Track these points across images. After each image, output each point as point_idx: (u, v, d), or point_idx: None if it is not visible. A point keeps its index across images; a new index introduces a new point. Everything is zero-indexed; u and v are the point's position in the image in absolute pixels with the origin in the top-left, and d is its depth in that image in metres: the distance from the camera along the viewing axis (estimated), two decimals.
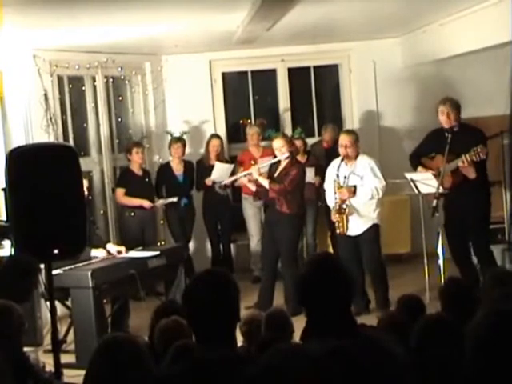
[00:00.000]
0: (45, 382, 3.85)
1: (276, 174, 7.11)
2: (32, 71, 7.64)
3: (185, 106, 9.29)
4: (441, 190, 6.47)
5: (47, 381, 3.98)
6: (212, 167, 8.46)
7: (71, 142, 7.96)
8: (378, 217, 6.91)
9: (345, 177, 6.74)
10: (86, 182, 6.67)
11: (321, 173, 8.40)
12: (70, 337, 6.18)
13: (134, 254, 6.85)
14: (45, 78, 7.78)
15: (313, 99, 9.78)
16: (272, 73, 9.75)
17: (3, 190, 4.24)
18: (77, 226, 4.28)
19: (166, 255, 6.92)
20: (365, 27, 8.40)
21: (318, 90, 9.83)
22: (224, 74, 9.69)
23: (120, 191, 8.32)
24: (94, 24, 6.63)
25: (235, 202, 9.02)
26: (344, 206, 6.77)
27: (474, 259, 6.84)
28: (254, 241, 8.69)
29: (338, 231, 6.88)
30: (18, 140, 7.21)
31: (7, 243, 5.77)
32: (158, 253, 6.86)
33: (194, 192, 8.78)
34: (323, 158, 8.67)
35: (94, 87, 8.62)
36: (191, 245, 8.91)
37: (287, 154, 7.06)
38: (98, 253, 6.59)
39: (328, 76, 10.03)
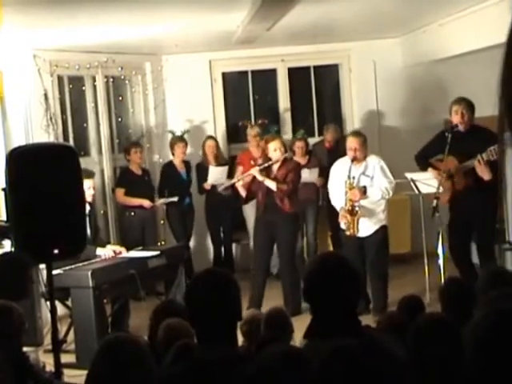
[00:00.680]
0: (45, 382, 3.85)
1: (272, 175, 7.09)
2: (32, 71, 7.64)
3: (185, 105, 9.29)
4: (441, 190, 6.45)
5: (47, 381, 3.98)
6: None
7: (71, 142, 7.96)
8: (387, 218, 6.89)
9: (353, 177, 6.69)
10: (91, 182, 6.68)
11: (324, 173, 8.41)
12: (71, 337, 6.18)
13: (134, 253, 6.85)
14: (45, 78, 7.78)
15: (313, 99, 9.78)
16: (272, 73, 9.75)
17: (3, 189, 4.24)
18: (77, 225, 4.29)
19: (166, 255, 6.92)
20: (365, 27, 8.40)
21: (318, 90, 9.83)
22: (224, 74, 9.69)
23: (120, 191, 8.33)
24: (94, 24, 6.63)
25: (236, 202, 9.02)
26: (356, 208, 6.66)
27: (474, 259, 6.84)
28: None
29: (347, 233, 6.74)
30: (18, 140, 7.21)
31: (7, 243, 5.77)
32: (158, 253, 6.86)
33: (195, 191, 8.78)
34: (325, 158, 8.68)
35: (94, 87, 8.62)
36: (191, 244, 8.92)
37: (286, 155, 7.12)
38: (103, 251, 6.59)
39: (328, 76, 10.03)
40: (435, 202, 6.40)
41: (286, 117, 9.71)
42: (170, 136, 8.96)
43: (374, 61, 9.47)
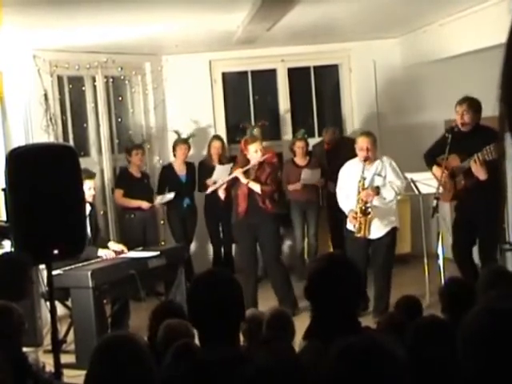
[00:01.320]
0: (44, 383, 3.84)
1: (252, 178, 7.02)
2: (32, 71, 7.64)
3: (185, 106, 9.29)
4: (441, 190, 6.44)
5: (47, 381, 3.98)
6: (214, 168, 8.45)
7: (71, 142, 7.96)
8: (397, 219, 6.86)
9: (364, 178, 6.65)
10: (92, 183, 6.68)
11: (324, 174, 8.42)
12: (70, 337, 6.18)
13: (134, 254, 6.85)
14: (45, 78, 7.78)
15: (313, 99, 9.78)
16: (272, 73, 9.76)
17: (3, 190, 4.23)
18: (77, 226, 4.29)
19: (166, 255, 6.92)
20: (365, 27, 8.40)
21: (318, 90, 9.83)
22: (224, 74, 9.69)
23: (119, 192, 8.34)
24: (93, 24, 6.63)
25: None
26: (369, 209, 6.59)
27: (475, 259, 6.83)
28: None
29: (358, 235, 6.65)
30: (18, 140, 7.21)
31: (7, 243, 5.77)
32: (158, 253, 6.86)
33: (197, 193, 8.78)
34: (324, 159, 8.68)
35: (94, 87, 8.62)
36: (192, 246, 8.92)
37: (265, 156, 7.11)
38: (104, 252, 6.59)
39: (328, 76, 10.03)
40: (435, 202, 6.39)
41: (286, 117, 9.71)
42: (173, 135, 8.94)
43: (374, 61, 9.47)
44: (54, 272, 5.00)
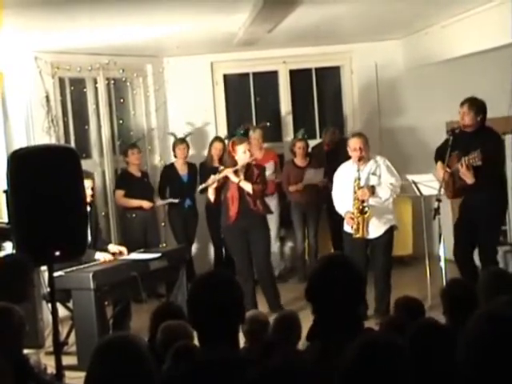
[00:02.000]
0: None
1: (242, 178, 6.98)
2: (33, 73, 7.64)
3: (186, 107, 9.29)
4: (442, 191, 6.44)
5: (48, 383, 3.98)
6: (215, 169, 8.42)
7: (72, 144, 7.96)
8: (395, 217, 6.87)
9: (359, 178, 6.68)
10: (90, 183, 6.68)
11: (326, 174, 8.40)
12: (72, 339, 6.17)
13: (135, 255, 6.84)
14: (46, 80, 7.78)
15: (314, 101, 9.78)
16: (274, 74, 9.76)
17: (5, 191, 4.23)
18: (78, 227, 4.28)
19: (167, 257, 6.91)
20: (366, 29, 8.39)
21: (319, 92, 9.83)
22: (225, 76, 9.69)
23: (119, 193, 8.35)
24: (95, 26, 6.63)
25: None
26: (366, 209, 6.60)
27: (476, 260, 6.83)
28: None
29: (356, 236, 6.66)
30: (20, 142, 7.21)
31: (9, 245, 5.77)
32: (159, 255, 6.85)
33: (198, 194, 8.77)
34: (324, 160, 8.68)
35: (96, 89, 8.62)
36: (194, 247, 8.92)
37: (254, 157, 7.13)
38: (102, 255, 6.58)
39: (330, 78, 10.03)
40: (437, 204, 6.39)
41: (288, 119, 9.71)
42: (171, 138, 8.96)
43: (375, 63, 9.46)
44: (56, 274, 5.00)
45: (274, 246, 8.62)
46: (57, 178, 4.15)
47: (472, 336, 1.96)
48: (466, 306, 3.71)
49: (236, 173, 6.98)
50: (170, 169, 8.73)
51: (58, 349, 4.36)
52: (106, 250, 6.71)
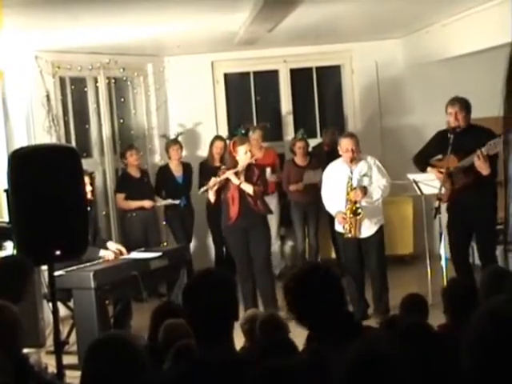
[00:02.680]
0: None
1: (243, 178, 6.95)
2: (34, 72, 7.64)
3: (187, 107, 9.30)
4: (443, 190, 6.44)
5: (49, 382, 3.97)
6: (216, 169, 8.41)
7: (73, 143, 7.97)
8: (383, 217, 6.92)
9: (351, 178, 6.70)
10: (87, 179, 6.68)
11: None
12: (73, 338, 6.18)
13: (136, 255, 6.85)
14: (47, 80, 7.78)
15: (315, 100, 9.78)
16: (274, 74, 9.76)
17: (5, 191, 4.23)
18: (79, 227, 4.28)
19: (168, 256, 6.91)
20: (367, 28, 8.39)
21: (320, 91, 9.83)
22: (226, 75, 9.69)
23: (120, 196, 8.35)
24: (95, 25, 6.63)
25: None
26: (359, 210, 6.62)
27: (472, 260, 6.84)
28: None
29: (349, 235, 6.70)
30: (21, 141, 7.21)
31: (9, 244, 5.77)
32: (160, 254, 6.85)
33: (196, 194, 8.76)
34: (324, 161, 8.67)
35: (96, 88, 8.62)
36: (192, 245, 8.92)
37: (255, 157, 7.11)
38: (106, 253, 6.59)
39: (330, 77, 10.03)
40: (437, 203, 6.40)
41: (288, 118, 9.71)
42: (172, 136, 8.96)
43: (376, 62, 9.46)
44: (56, 273, 5.00)
45: (275, 245, 8.63)
46: (57, 177, 4.15)
47: (474, 336, 1.96)
48: (467, 304, 3.72)
49: (237, 174, 6.96)
50: (164, 170, 8.73)
51: (59, 348, 4.37)
52: (105, 248, 6.71)
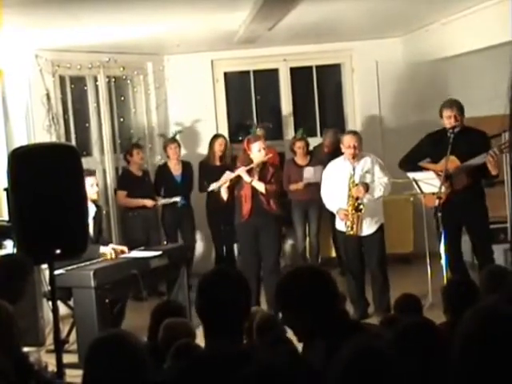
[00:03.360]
0: (47, 383, 3.84)
1: (256, 177, 6.89)
2: (34, 71, 7.64)
3: (187, 105, 9.29)
4: (443, 189, 6.44)
5: (49, 381, 3.98)
6: (216, 168, 8.41)
7: (73, 142, 7.97)
8: (383, 216, 6.92)
9: (353, 175, 6.70)
10: (93, 179, 6.68)
11: None
12: (73, 337, 6.18)
13: (136, 253, 6.84)
14: (47, 78, 7.78)
15: (315, 99, 9.77)
16: (274, 72, 9.75)
17: (5, 189, 4.23)
18: (79, 225, 4.28)
19: (168, 255, 6.90)
20: (367, 27, 8.39)
21: (320, 90, 9.83)
22: (226, 74, 9.69)
23: (121, 193, 8.35)
24: (95, 24, 6.63)
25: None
26: (361, 206, 6.61)
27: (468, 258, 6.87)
28: None
29: (351, 232, 6.69)
30: (20, 140, 7.20)
31: (9, 243, 5.77)
32: (160, 253, 6.85)
33: (196, 193, 8.77)
34: (325, 161, 8.65)
35: (96, 87, 8.62)
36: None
37: (270, 155, 7.04)
38: (105, 249, 6.58)
39: (330, 76, 10.03)
40: (437, 201, 6.40)
41: (288, 117, 9.71)
42: (172, 135, 8.96)
43: (376, 60, 9.46)
44: (56, 272, 5.00)
45: None
46: (57, 175, 4.15)
47: (467, 334, 1.96)
48: (467, 304, 3.71)
49: (250, 171, 6.91)
50: (163, 169, 8.72)
51: (59, 347, 4.37)
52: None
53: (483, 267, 6.32)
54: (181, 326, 3.85)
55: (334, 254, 8.82)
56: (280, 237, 7.28)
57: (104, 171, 8.70)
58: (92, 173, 6.87)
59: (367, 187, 6.66)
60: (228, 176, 6.95)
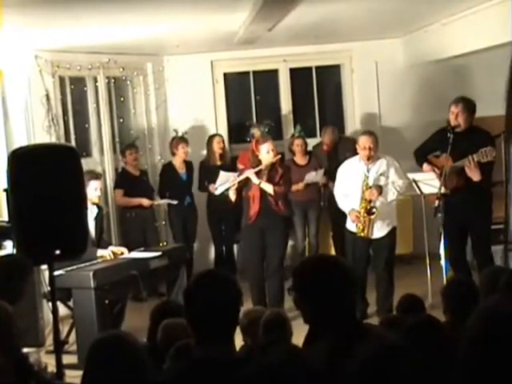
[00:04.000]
0: (46, 383, 3.84)
1: (264, 178, 6.86)
2: (34, 72, 7.64)
3: (186, 106, 9.29)
4: (443, 190, 6.44)
5: (49, 382, 3.97)
6: (216, 168, 8.42)
7: (73, 143, 7.97)
8: (396, 218, 6.87)
9: (367, 177, 6.65)
10: (98, 183, 6.68)
11: (327, 173, 8.39)
12: (72, 337, 6.18)
13: (135, 254, 6.84)
14: (46, 79, 7.78)
15: (315, 99, 9.78)
16: (274, 73, 9.76)
17: (5, 190, 4.23)
18: (78, 226, 4.28)
19: (167, 256, 6.91)
20: (367, 27, 8.39)
21: (319, 91, 9.83)
22: (226, 75, 9.69)
23: (119, 192, 8.37)
24: (95, 24, 6.63)
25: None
26: (373, 210, 6.56)
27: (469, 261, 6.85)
28: None
29: (361, 234, 6.64)
30: (20, 141, 7.21)
31: (9, 244, 5.77)
32: (159, 253, 6.85)
33: (196, 192, 8.77)
34: (324, 160, 8.66)
35: (96, 88, 8.62)
36: (194, 245, 8.92)
37: (279, 156, 6.98)
38: (104, 252, 6.58)
39: (330, 76, 10.03)
40: (437, 202, 6.39)
41: (288, 117, 9.71)
42: (173, 135, 8.95)
43: (376, 61, 9.46)
44: (56, 272, 5.00)
45: None
46: (57, 176, 4.14)
47: (473, 333, 1.96)
48: (467, 304, 3.71)
49: (259, 173, 6.87)
50: (168, 167, 8.73)
51: (59, 348, 4.36)
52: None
53: (482, 268, 6.35)
54: (180, 326, 3.84)
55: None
56: (287, 238, 7.24)
57: (103, 172, 8.68)
58: (99, 176, 6.87)
59: (381, 190, 6.58)
60: (236, 178, 6.92)
